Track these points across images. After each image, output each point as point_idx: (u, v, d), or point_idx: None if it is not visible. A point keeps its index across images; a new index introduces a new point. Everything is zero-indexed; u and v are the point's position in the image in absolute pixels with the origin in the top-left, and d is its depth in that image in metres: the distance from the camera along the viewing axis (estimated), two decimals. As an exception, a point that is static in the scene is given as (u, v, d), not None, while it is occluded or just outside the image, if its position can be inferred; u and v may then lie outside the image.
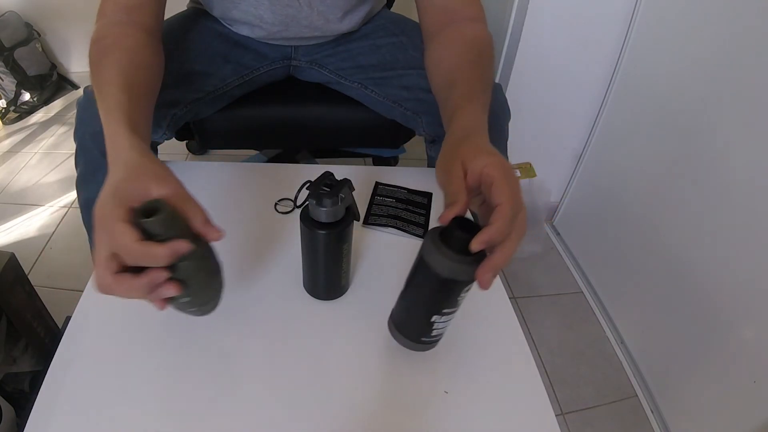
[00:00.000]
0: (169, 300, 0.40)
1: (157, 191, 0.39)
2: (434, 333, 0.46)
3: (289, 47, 0.84)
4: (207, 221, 0.41)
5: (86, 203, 0.70)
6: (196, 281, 0.41)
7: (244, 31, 0.79)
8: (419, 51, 0.75)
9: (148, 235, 0.36)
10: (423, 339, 0.47)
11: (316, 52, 0.84)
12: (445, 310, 0.43)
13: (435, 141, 0.79)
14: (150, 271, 0.37)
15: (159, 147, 0.76)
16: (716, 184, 0.85)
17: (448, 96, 0.56)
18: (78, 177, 0.69)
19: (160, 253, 0.36)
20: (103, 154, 0.59)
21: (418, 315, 0.45)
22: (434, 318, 0.44)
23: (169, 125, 0.71)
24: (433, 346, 0.49)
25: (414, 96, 0.76)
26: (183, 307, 0.43)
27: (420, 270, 0.42)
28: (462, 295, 0.43)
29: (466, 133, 0.48)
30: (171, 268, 0.38)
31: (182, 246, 0.37)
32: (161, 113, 0.69)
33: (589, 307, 1.22)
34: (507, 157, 0.79)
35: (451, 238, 0.39)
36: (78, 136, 0.66)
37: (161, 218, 0.36)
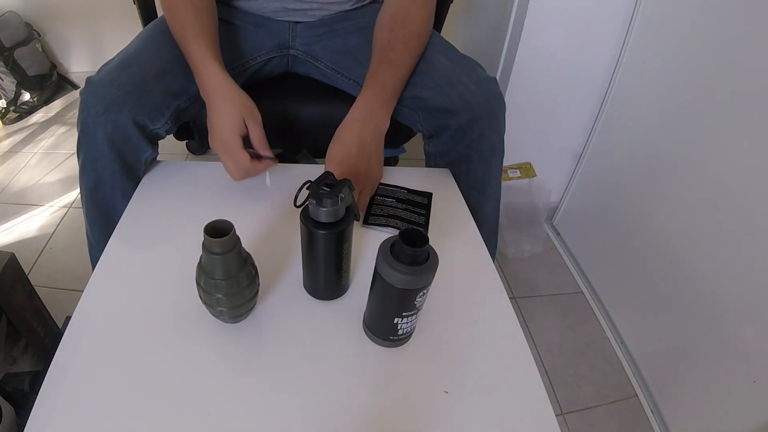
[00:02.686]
0: (208, 307, 0.49)
1: (249, 121, 0.65)
2: (400, 332, 0.49)
3: (288, 25, 0.85)
4: (266, 148, 0.67)
5: (89, 192, 0.71)
6: (239, 296, 0.48)
7: (248, 5, 0.81)
8: None
9: (209, 252, 0.44)
10: (391, 338, 0.50)
11: (315, 37, 0.85)
12: (404, 314, 0.47)
13: (433, 136, 0.79)
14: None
15: (158, 147, 0.76)
16: (716, 184, 0.85)
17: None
18: (80, 167, 0.70)
19: (260, 168, 0.66)
20: (107, 135, 0.66)
21: (382, 318, 0.49)
22: (396, 320, 0.48)
23: (171, 116, 0.72)
24: (405, 342, 0.52)
25: (410, 93, 0.76)
26: (218, 314, 0.50)
27: (377, 280, 0.46)
28: (418, 299, 0.46)
29: (342, 127, 0.70)
30: (219, 284, 0.46)
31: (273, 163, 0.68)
32: (164, 101, 0.70)
33: (589, 307, 1.22)
34: (503, 148, 0.80)
35: (402, 250, 0.42)
36: (81, 119, 0.67)
37: (229, 239, 0.43)
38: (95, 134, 0.65)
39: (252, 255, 0.49)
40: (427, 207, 0.71)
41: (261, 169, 0.66)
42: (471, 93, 0.72)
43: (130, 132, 0.66)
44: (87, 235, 0.77)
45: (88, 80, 0.67)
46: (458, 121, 0.73)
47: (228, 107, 0.64)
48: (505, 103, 0.76)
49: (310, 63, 0.87)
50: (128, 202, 0.68)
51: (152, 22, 0.82)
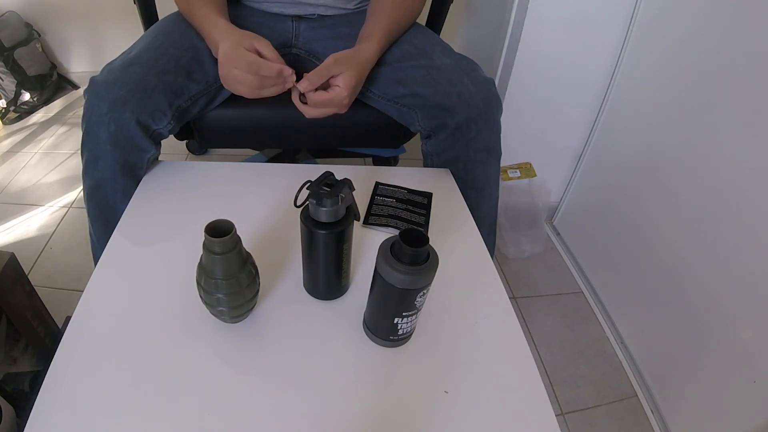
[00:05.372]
0: (208, 307, 0.49)
1: (258, 43, 0.64)
2: (400, 332, 0.49)
3: (291, 24, 0.85)
4: (282, 63, 0.65)
5: (90, 191, 0.71)
6: (240, 296, 0.48)
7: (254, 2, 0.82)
8: (412, 45, 0.79)
9: (210, 251, 0.44)
10: (391, 338, 0.50)
11: (318, 37, 0.85)
12: (404, 314, 0.47)
13: (430, 136, 0.80)
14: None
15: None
16: (716, 184, 0.85)
17: (365, 24, 0.77)
18: (84, 165, 0.70)
19: (275, 67, 0.64)
20: (110, 135, 0.67)
21: (382, 318, 0.49)
22: (396, 320, 0.48)
23: (174, 115, 0.72)
24: (405, 342, 0.52)
25: (410, 91, 0.77)
26: (218, 314, 0.50)
27: (377, 280, 0.46)
28: (418, 299, 0.46)
29: (359, 60, 0.70)
30: (219, 284, 0.46)
31: (288, 71, 0.65)
32: (166, 101, 0.70)
33: (589, 307, 1.22)
34: (500, 148, 0.80)
35: (402, 250, 0.42)
36: (86, 119, 0.67)
37: (229, 239, 0.43)
38: (98, 133, 0.66)
39: (252, 255, 0.50)
40: (427, 207, 0.71)
41: (273, 68, 0.63)
42: (470, 93, 0.73)
43: (133, 131, 0.67)
44: (90, 233, 0.77)
45: (92, 80, 0.68)
46: (456, 120, 0.73)
47: (231, 36, 0.66)
48: (502, 105, 0.77)
49: (311, 62, 0.87)
50: (129, 201, 0.68)
51: (154, 24, 0.82)
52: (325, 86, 0.68)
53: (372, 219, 0.68)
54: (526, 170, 1.30)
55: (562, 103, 1.22)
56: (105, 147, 0.66)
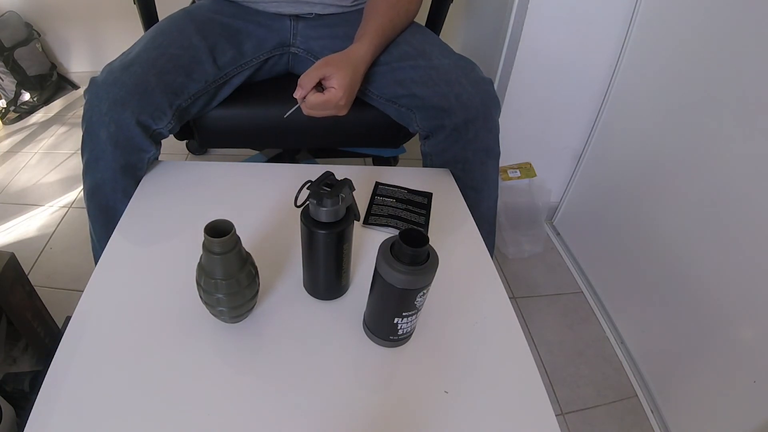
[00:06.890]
0: (208, 307, 0.49)
1: None
2: (400, 332, 0.49)
3: (289, 23, 0.85)
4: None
5: (90, 191, 0.71)
6: (240, 296, 0.48)
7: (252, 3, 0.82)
8: (411, 45, 0.79)
9: (210, 252, 0.44)
10: (391, 338, 0.50)
11: (316, 36, 0.86)
12: (404, 314, 0.47)
13: (429, 137, 0.80)
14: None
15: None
16: (716, 184, 0.85)
17: (360, 25, 0.76)
18: (84, 166, 0.71)
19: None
20: (110, 135, 0.66)
21: (382, 318, 0.49)
22: (396, 320, 0.48)
23: (174, 115, 0.72)
24: (405, 342, 0.52)
25: (408, 91, 0.77)
26: (218, 314, 0.50)
27: (377, 280, 0.46)
28: (418, 299, 0.46)
29: (350, 60, 0.70)
30: (219, 284, 0.46)
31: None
32: (166, 101, 0.70)
33: (589, 307, 1.22)
34: (499, 148, 0.80)
35: (402, 250, 0.42)
36: (86, 119, 0.67)
37: (229, 239, 0.43)
38: (98, 134, 0.66)
39: (252, 255, 0.50)
40: (427, 207, 0.71)
41: None
42: (468, 93, 0.73)
43: (133, 132, 0.67)
44: (90, 233, 0.77)
45: (92, 81, 0.68)
46: (454, 121, 0.74)
47: None
48: (500, 105, 0.77)
49: (310, 61, 0.87)
50: (129, 201, 0.68)
51: (154, 25, 0.83)
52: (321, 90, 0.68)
53: (372, 219, 0.68)
54: (526, 170, 1.30)
55: (562, 103, 1.22)
56: (105, 147, 0.66)
